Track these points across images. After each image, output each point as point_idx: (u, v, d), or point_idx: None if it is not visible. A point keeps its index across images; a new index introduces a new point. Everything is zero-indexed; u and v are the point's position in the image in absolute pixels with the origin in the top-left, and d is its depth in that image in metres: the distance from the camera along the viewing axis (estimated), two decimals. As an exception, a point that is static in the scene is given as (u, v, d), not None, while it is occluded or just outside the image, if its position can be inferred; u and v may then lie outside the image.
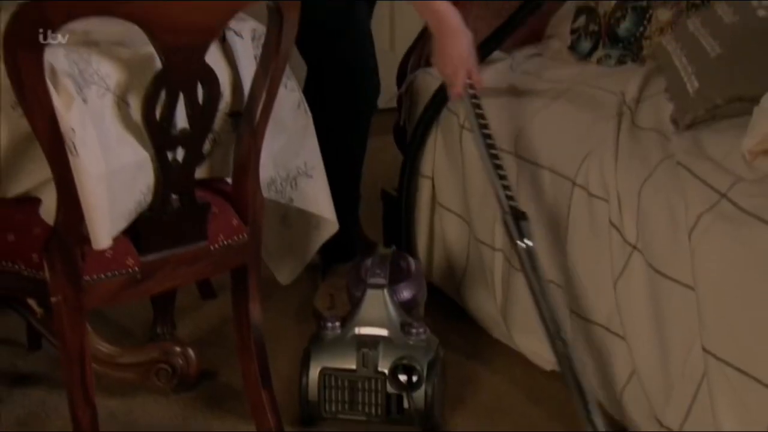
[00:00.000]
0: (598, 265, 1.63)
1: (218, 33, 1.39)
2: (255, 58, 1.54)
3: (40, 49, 1.19)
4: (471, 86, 1.79)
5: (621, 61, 2.00)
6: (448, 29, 1.77)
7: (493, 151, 1.75)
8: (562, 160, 1.76)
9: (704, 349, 1.39)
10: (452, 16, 1.76)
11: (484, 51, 2.03)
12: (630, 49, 1.99)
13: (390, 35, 3.55)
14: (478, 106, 1.79)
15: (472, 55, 1.79)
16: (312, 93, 1.87)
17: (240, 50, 1.51)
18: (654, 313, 1.51)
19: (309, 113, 1.73)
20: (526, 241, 1.63)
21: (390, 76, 2.34)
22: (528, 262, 1.62)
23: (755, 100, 1.49)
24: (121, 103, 1.33)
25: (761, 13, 1.65)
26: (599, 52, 2.05)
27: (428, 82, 2.24)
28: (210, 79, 1.38)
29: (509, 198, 1.69)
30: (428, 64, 2.31)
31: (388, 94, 2.30)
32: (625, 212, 1.56)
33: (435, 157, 2.18)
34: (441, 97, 2.07)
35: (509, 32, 2.07)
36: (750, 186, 1.38)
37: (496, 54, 2.18)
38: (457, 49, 1.76)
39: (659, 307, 1.50)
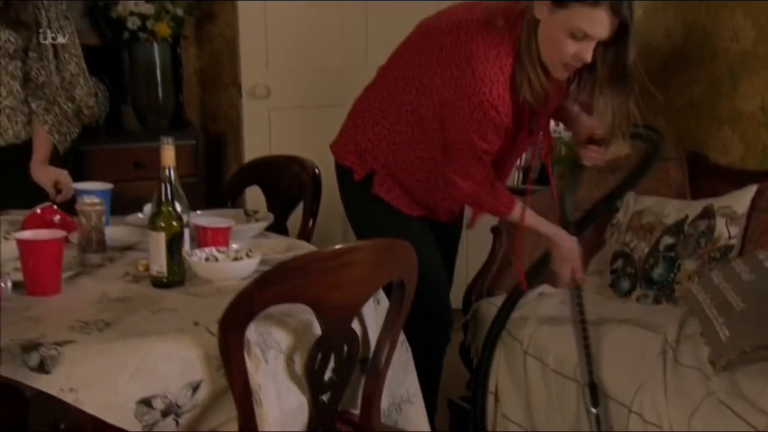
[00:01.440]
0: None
1: (362, 306, 1.75)
2: (374, 308, 1.90)
3: (244, 329, 1.54)
4: (576, 282, 2.25)
5: (657, 301, 2.36)
6: (554, 241, 2.24)
7: (585, 335, 2.19)
8: (619, 388, 2.07)
9: None
10: (556, 232, 2.24)
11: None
12: (664, 291, 2.36)
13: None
14: (579, 297, 2.25)
15: (576, 257, 2.23)
16: None
17: (366, 309, 1.86)
18: None
19: (409, 350, 2.06)
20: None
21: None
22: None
23: (777, 349, 1.83)
24: (289, 360, 1.66)
25: (773, 273, 2.02)
26: (637, 292, 2.41)
27: (490, 310, 2.59)
28: (353, 340, 1.72)
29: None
30: (490, 294, 2.69)
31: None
32: (678, 439, 1.86)
33: (498, 375, 2.48)
34: (499, 324, 2.43)
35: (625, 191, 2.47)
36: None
37: (548, 289, 2.55)
38: (561, 252, 2.23)
39: None
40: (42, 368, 1.46)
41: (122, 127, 3.70)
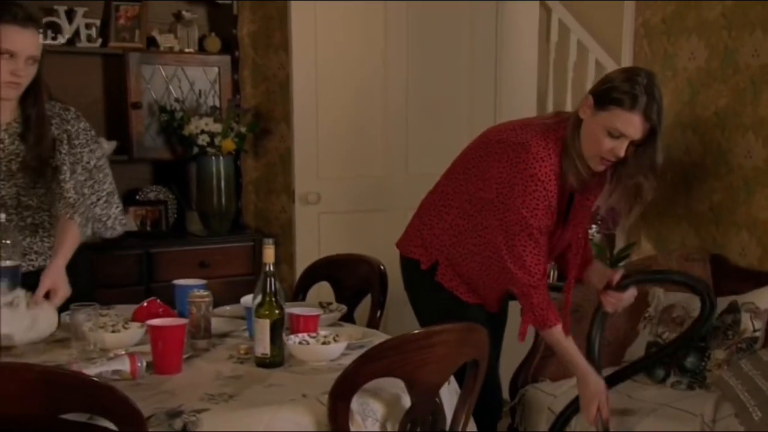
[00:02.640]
0: None
1: (446, 381, 1.99)
2: (447, 387, 2.12)
3: (350, 399, 1.78)
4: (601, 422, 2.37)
5: (690, 387, 2.58)
6: (582, 377, 2.41)
7: None
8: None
9: None
10: (586, 371, 2.40)
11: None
12: (696, 378, 2.58)
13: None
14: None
15: (602, 397, 2.37)
16: None
17: (442, 388, 2.10)
18: None
19: (475, 425, 2.28)
20: None
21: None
22: None
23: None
24: (383, 428, 1.90)
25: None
26: (671, 379, 2.64)
27: (536, 395, 2.82)
28: (438, 411, 1.95)
29: None
30: (534, 380, 2.91)
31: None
32: None
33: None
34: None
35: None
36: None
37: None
38: (588, 389, 2.39)
39: None
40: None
41: (187, 230, 4.01)
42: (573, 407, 2.59)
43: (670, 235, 3.23)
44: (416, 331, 1.89)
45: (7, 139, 2.39)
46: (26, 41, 2.26)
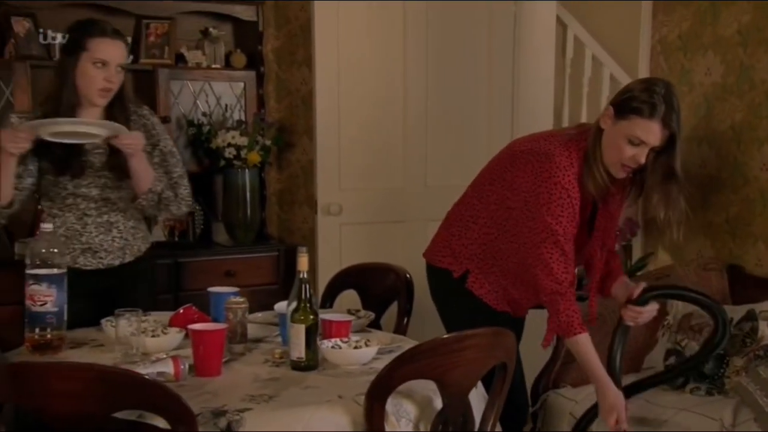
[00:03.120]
0: None
1: (476, 384, 2.05)
2: (474, 391, 2.19)
3: (385, 400, 1.85)
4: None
5: (709, 393, 2.64)
6: (600, 388, 2.40)
7: None
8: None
9: None
10: (605, 382, 2.40)
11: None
12: (715, 385, 2.64)
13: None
14: None
15: (620, 408, 2.36)
16: None
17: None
18: None
19: (500, 429, 2.34)
20: None
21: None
22: None
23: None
24: (416, 428, 1.96)
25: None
26: (690, 385, 2.69)
27: (557, 400, 2.88)
28: (468, 412, 2.02)
29: None
30: (555, 386, 2.97)
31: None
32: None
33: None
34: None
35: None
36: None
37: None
38: (607, 401, 2.39)
39: None
40: (229, 429, 1.77)
41: (214, 241, 4.09)
42: (593, 413, 2.64)
43: (687, 246, 3.29)
44: (448, 335, 1.96)
45: None
46: (116, 51, 2.60)
